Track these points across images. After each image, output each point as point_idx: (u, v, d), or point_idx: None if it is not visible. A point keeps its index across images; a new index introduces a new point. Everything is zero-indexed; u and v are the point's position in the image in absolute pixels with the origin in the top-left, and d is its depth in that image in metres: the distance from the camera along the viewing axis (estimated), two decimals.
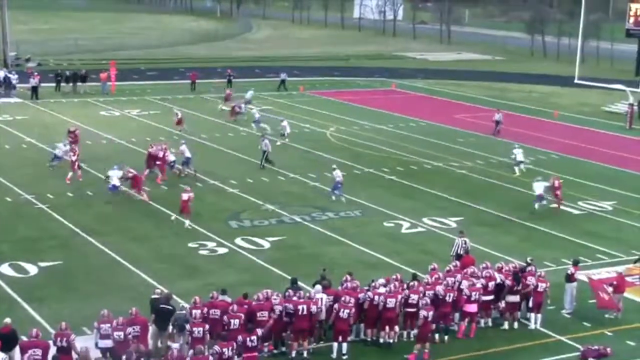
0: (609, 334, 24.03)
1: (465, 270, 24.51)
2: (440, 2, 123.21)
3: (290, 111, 57.66)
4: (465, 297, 23.43)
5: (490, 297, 24.04)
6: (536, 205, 35.53)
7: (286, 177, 40.50)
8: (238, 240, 30.94)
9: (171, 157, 39.67)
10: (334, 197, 36.40)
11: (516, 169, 42.60)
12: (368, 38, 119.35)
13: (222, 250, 30.00)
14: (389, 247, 30.79)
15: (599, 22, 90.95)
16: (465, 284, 23.68)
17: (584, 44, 66.93)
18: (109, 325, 20.32)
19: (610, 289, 24.95)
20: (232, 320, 21.08)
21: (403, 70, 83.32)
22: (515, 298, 24.22)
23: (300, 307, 21.79)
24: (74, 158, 38.00)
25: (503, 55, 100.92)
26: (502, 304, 24.18)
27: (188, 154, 40.14)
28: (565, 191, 37.90)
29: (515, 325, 24.20)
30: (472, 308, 23.50)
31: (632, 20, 78.01)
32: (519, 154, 43.09)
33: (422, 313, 22.11)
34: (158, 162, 39.27)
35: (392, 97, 66.34)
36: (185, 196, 32.35)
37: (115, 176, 35.82)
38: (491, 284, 24.04)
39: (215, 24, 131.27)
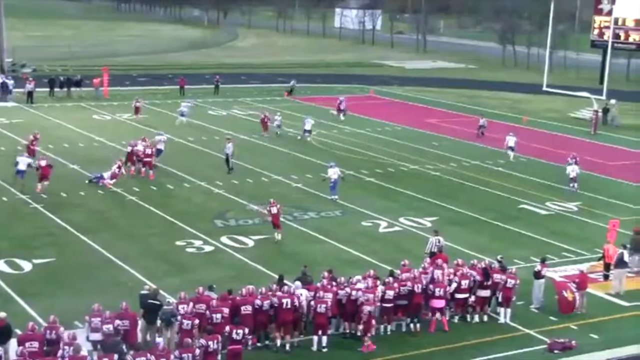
0: (574, 327, 24.16)
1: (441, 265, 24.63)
2: (417, 13, 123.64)
3: (274, 116, 57.50)
4: (430, 292, 23.54)
5: (466, 295, 24.11)
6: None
7: (269, 178, 40.47)
8: (223, 239, 30.88)
9: (160, 147, 41.40)
10: (334, 197, 36.36)
11: (510, 154, 45.72)
12: (348, 47, 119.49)
13: (208, 248, 29.93)
14: (367, 245, 30.82)
15: (566, 34, 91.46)
16: (437, 273, 23.81)
17: (552, 53, 67.30)
18: (99, 319, 20.25)
19: (574, 287, 25.10)
20: (214, 315, 21.05)
21: (381, 77, 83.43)
22: (486, 293, 24.30)
23: (284, 300, 21.83)
24: (43, 163, 36.52)
25: (476, 63, 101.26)
26: (472, 298, 24.25)
27: (160, 147, 41.15)
28: (534, 193, 38.53)
29: (485, 318, 24.30)
30: (439, 303, 23.54)
31: (596, 32, 78.42)
32: (510, 140, 46.06)
33: (366, 308, 22.03)
34: (147, 159, 39.19)
35: (371, 103, 66.42)
36: (274, 209, 30.65)
37: (22, 162, 36.42)
38: (465, 282, 24.12)
39: (202, 32, 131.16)
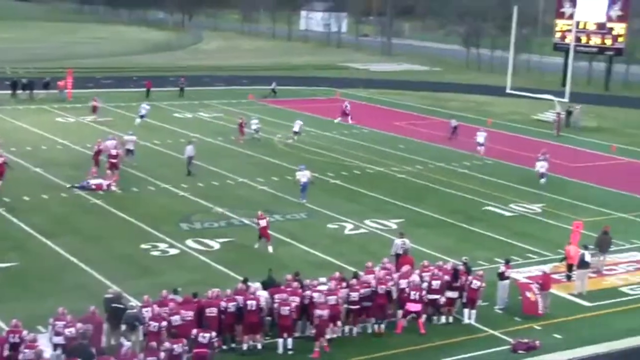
0: (538, 328, 24.38)
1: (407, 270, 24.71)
2: (382, 16, 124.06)
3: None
4: (406, 295, 23.59)
5: (437, 296, 24.22)
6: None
7: (235, 181, 40.37)
8: (189, 242, 30.75)
9: (129, 147, 41.68)
10: (303, 200, 36.30)
11: (480, 149, 47.40)
12: (313, 49, 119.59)
13: (173, 251, 29.78)
14: (333, 247, 30.85)
15: (529, 37, 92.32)
16: (404, 282, 23.85)
17: (515, 56, 67.75)
18: (63, 322, 20.08)
19: (536, 287, 25.33)
20: (172, 318, 20.91)
21: (347, 80, 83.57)
22: (453, 294, 24.44)
23: (249, 302, 21.79)
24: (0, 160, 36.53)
25: (440, 66, 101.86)
26: (443, 299, 24.35)
27: (130, 147, 41.19)
28: (498, 195, 38.93)
29: (451, 320, 24.43)
30: (415, 307, 23.61)
31: (558, 35, 79.43)
32: (480, 136, 47.95)
33: (317, 312, 21.96)
34: (113, 160, 38.94)
35: (337, 106, 66.46)
36: (263, 222, 30.14)
37: None
38: (435, 283, 24.23)
39: (167, 34, 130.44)
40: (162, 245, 30.27)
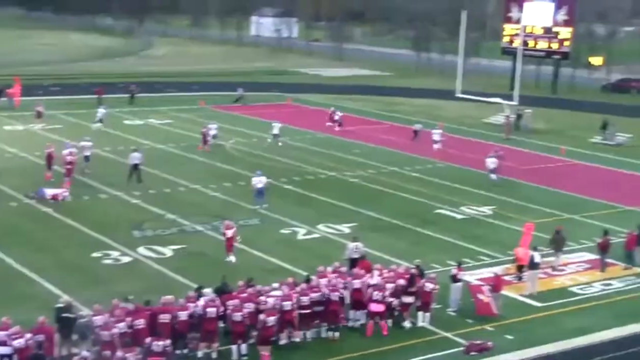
0: (490, 329, 24.65)
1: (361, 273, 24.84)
2: (332, 21, 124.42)
3: (192, 124, 57.25)
4: (369, 296, 23.78)
5: (390, 299, 24.33)
6: None
7: (187, 187, 40.17)
8: (141, 249, 30.52)
9: (87, 153, 41.59)
10: (257, 206, 36.14)
11: (435, 147, 49.61)
12: (264, 55, 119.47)
13: (125, 259, 29.53)
14: (287, 253, 30.84)
15: (478, 41, 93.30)
16: (357, 283, 23.99)
17: (464, 60, 68.47)
18: (5, 333, 19.76)
19: (488, 289, 25.61)
20: (120, 325, 20.67)
21: (298, 85, 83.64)
22: (410, 299, 24.56)
23: (209, 310, 21.71)
24: None
25: (391, 71, 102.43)
26: (396, 302, 24.49)
27: (87, 153, 41.33)
28: (449, 198, 39.25)
29: (407, 324, 24.53)
30: (378, 308, 23.76)
31: (507, 39, 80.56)
32: (435, 134, 50.61)
33: (261, 317, 21.93)
34: (68, 167, 38.58)
35: (289, 111, 66.56)
36: (229, 233, 29.75)
37: None
38: (390, 286, 24.37)
39: (116, 41, 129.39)
40: (114, 254, 29.99)
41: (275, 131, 51.01)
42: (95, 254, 29.82)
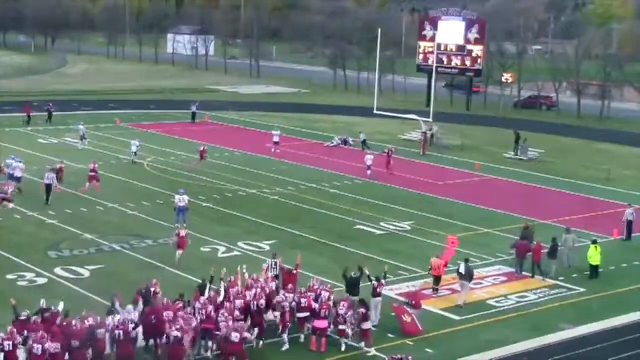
0: (410, 343, 24.84)
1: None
2: (249, 39, 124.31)
3: (108, 143, 56.39)
4: (316, 311, 24.02)
5: (307, 314, 24.35)
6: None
7: (105, 207, 39.48)
8: (58, 270, 29.85)
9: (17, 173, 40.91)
10: (178, 225, 35.29)
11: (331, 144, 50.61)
12: (182, 72, 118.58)
13: (41, 281, 28.83)
14: (207, 271, 30.44)
15: (393, 58, 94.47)
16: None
17: (380, 78, 69.33)
18: None
19: (411, 310, 25.72)
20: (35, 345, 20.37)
21: (216, 102, 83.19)
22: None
23: (117, 332, 21.35)
24: None
25: (308, 88, 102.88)
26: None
27: (15, 173, 40.60)
28: (368, 214, 39.55)
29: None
30: (322, 324, 23.84)
31: (421, 57, 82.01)
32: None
33: (173, 334, 21.74)
34: None
35: (207, 129, 66.17)
36: (183, 232, 31.46)
37: None
38: (304, 301, 24.39)
39: (29, 58, 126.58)
40: (30, 275, 29.26)
41: (134, 149, 50.74)
42: (10, 276, 29.03)
